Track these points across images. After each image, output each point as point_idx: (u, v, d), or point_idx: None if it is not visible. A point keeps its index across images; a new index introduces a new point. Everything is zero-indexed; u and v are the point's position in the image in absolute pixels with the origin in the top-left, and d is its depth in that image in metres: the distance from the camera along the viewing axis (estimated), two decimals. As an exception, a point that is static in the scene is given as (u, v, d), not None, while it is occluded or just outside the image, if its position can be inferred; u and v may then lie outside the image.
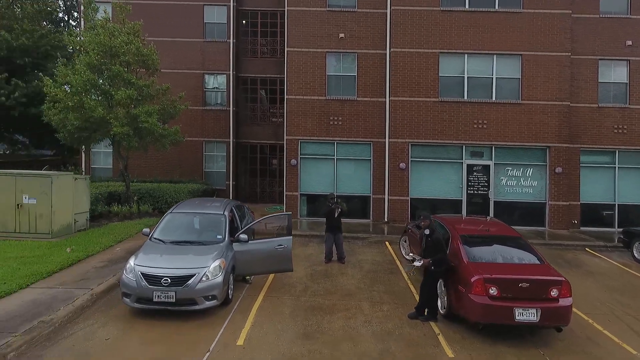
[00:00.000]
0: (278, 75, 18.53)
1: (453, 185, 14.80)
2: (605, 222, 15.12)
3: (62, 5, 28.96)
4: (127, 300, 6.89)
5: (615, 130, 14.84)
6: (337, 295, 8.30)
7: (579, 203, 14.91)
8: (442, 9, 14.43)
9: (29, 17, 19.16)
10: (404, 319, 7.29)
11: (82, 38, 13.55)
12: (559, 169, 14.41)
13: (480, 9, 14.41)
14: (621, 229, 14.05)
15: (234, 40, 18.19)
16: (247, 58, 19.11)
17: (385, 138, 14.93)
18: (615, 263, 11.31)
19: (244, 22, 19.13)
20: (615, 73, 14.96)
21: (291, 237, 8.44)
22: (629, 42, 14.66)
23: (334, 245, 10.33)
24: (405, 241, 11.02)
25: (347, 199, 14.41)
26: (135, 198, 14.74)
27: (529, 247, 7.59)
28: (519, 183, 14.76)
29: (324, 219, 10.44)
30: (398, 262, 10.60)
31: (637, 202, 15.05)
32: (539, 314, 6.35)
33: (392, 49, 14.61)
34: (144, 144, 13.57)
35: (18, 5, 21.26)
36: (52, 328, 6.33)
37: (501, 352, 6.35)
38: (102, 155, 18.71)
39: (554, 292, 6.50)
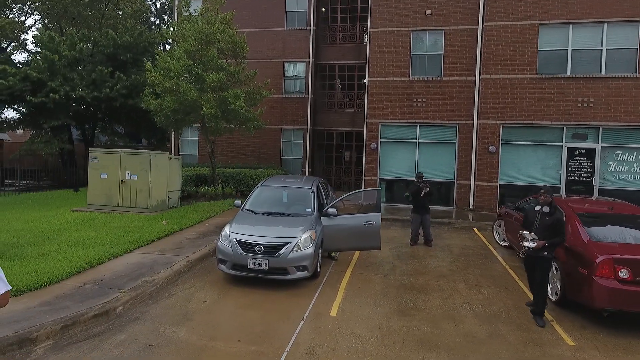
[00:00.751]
0: (356, 62, 18.27)
1: (550, 171, 13.41)
2: None
3: (154, 11, 31.45)
4: (223, 266, 7.04)
5: None
6: (428, 276, 7.83)
7: None
8: (543, -26, 13.09)
9: (130, 18, 20.97)
10: (510, 303, 6.63)
11: (176, 29, 14.44)
12: (684, 153, 12.41)
13: None
14: None
15: (314, 28, 18.25)
16: (325, 45, 19.10)
17: (473, 120, 13.96)
18: None
19: (323, 9, 19.13)
20: None
21: (380, 213, 8.11)
22: None
23: (420, 228, 9.84)
24: (499, 226, 10.17)
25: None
26: (220, 181, 15.43)
27: (665, 228, 6.50)
28: (631, 169, 12.97)
29: (404, 204, 10.00)
30: (491, 248, 9.83)
31: None
32: (686, 304, 5.37)
33: (485, 23, 13.58)
34: (229, 127, 14.12)
35: (120, 8, 23.42)
36: (154, 288, 6.65)
37: (631, 344, 5.48)
38: (189, 143, 19.86)
39: None
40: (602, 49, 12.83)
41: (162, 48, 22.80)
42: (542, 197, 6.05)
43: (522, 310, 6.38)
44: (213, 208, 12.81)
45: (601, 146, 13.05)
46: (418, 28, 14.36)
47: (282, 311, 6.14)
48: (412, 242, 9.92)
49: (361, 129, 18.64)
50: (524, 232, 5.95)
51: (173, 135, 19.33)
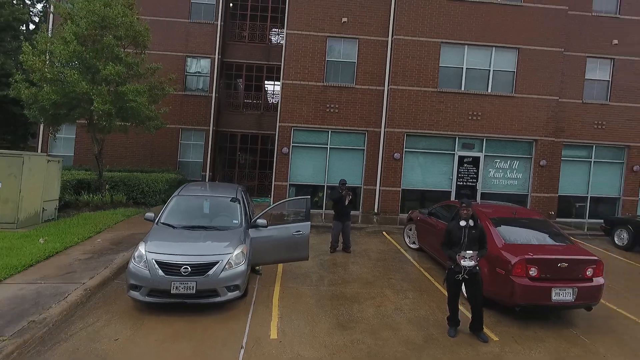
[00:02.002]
0: (265, 62, 17.75)
1: (444, 176, 14.80)
2: (577, 213, 15.82)
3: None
4: (136, 293, 5.95)
5: (595, 126, 15.55)
6: (356, 284, 7.83)
7: (557, 195, 15.46)
8: (447, -3, 14.28)
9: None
10: (434, 305, 6.98)
11: (70, 5, 11.95)
12: (543, 162, 14.83)
13: (483, 0, 14.43)
14: (594, 220, 15.12)
15: (222, 23, 17.14)
16: (233, 42, 18.14)
17: (380, 127, 14.63)
18: (599, 249, 11.73)
19: (231, 4, 18.12)
20: (600, 71, 15.65)
21: (309, 222, 7.81)
22: (616, 41, 15.39)
23: (339, 235, 9.85)
24: (410, 230, 10.74)
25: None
26: (107, 187, 13.36)
27: (556, 227, 7.56)
28: (505, 175, 15.04)
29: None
30: (403, 251, 10.33)
31: (607, 195, 15.89)
32: (575, 293, 6.27)
33: (395, 37, 14.32)
34: (124, 126, 12.28)
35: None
36: (47, 329, 5.30)
37: (538, 334, 6.21)
38: (63, 141, 16.92)
39: (589, 272, 6.46)
40: (489, 70, 14.63)
41: (25, 27, 18.93)
42: (464, 212, 5.93)
43: (446, 311, 6.72)
44: (103, 220, 10.97)
45: (484, 155, 14.87)
46: (334, 34, 14.48)
47: (216, 339, 5.43)
48: (331, 249, 9.87)
49: (267, 132, 18.20)
50: (466, 252, 5.76)
51: (42, 131, 16.21)
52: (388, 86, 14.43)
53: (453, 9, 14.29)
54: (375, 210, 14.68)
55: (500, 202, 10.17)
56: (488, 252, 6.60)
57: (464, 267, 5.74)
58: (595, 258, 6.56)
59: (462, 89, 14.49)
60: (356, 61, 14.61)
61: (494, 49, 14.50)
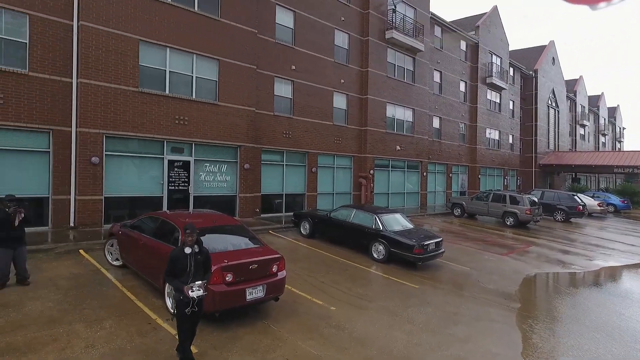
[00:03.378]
0: None
1: (154, 181, 14.10)
2: (277, 208, 18.64)
3: None
4: None
5: (284, 135, 18.56)
6: (34, 327, 6.28)
7: (260, 194, 17.62)
8: (143, -6, 13.29)
9: None
10: (133, 330, 6.43)
11: None
12: (247, 165, 16.53)
13: (181, 6, 14.26)
14: (289, 213, 17.85)
15: None
16: None
17: (71, 127, 12.33)
18: (290, 239, 14.14)
19: None
20: (284, 89, 18.64)
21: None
22: (293, 67, 18.64)
23: (9, 264, 7.70)
24: (112, 245, 9.59)
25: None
26: None
27: (250, 232, 8.40)
28: (215, 178, 15.83)
29: None
30: (104, 271, 9.13)
31: (297, 192, 19.43)
32: (265, 289, 7.13)
33: (81, 22, 12.22)
34: None
35: None
36: None
37: (238, 334, 6.69)
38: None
39: (275, 268, 7.48)
40: (193, 76, 14.79)
41: None
42: (189, 239, 5.59)
43: (145, 333, 6.34)
44: None
45: (194, 159, 15.11)
46: (-11, 1, 10.90)
47: None
48: (-2, 285, 7.59)
49: None
50: (195, 283, 5.39)
51: None
52: (77, 79, 12.31)
53: (150, 6, 13.53)
54: (72, 224, 12.40)
55: (202, 210, 10.52)
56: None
57: (193, 298, 5.37)
58: (279, 256, 7.62)
59: (167, 92, 14.11)
60: (28, 41, 11.64)
61: (195, 56, 14.78)
